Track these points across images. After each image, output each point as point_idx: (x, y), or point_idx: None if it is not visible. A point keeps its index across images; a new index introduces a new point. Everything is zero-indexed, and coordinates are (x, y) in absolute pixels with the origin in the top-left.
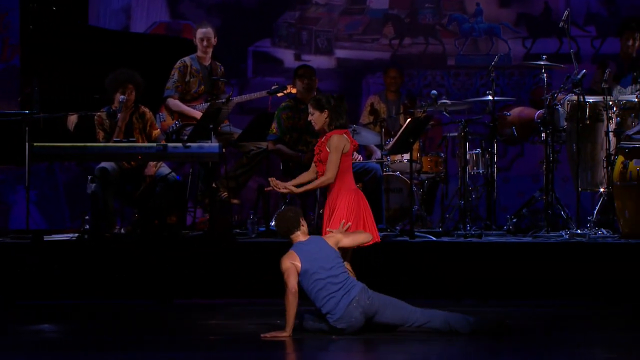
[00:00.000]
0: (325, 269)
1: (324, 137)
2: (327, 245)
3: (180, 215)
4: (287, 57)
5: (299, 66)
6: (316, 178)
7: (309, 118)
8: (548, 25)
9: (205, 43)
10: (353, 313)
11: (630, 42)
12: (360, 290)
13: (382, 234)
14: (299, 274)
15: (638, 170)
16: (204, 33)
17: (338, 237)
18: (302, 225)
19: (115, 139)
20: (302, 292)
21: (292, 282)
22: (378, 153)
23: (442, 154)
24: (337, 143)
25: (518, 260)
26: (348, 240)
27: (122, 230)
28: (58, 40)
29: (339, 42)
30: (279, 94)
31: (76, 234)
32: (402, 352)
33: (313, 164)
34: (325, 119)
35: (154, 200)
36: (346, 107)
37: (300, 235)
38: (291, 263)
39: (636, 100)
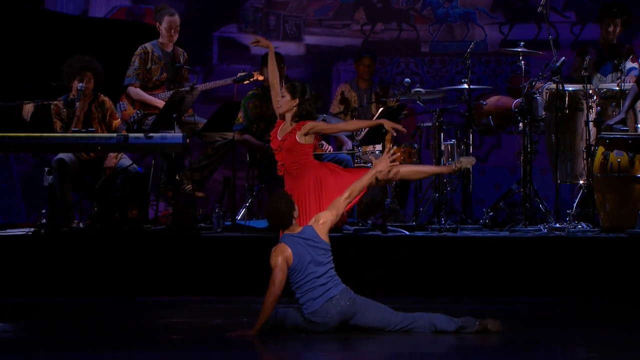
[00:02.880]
0: (316, 263)
1: (293, 125)
2: (320, 239)
3: (142, 209)
4: None
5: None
6: None
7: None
8: (526, 10)
9: (172, 31)
10: (329, 310)
11: (611, 28)
12: (342, 291)
13: (352, 227)
14: (288, 268)
15: (619, 161)
16: (171, 22)
17: (329, 219)
18: (294, 218)
19: (73, 129)
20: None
21: (279, 283)
22: (349, 144)
23: (415, 145)
24: (318, 122)
25: (495, 256)
26: (364, 182)
27: (81, 225)
28: (12, 25)
29: (309, 27)
30: (246, 82)
31: (32, 229)
32: (373, 351)
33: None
34: (293, 107)
35: (114, 193)
36: (318, 105)
37: (291, 227)
38: (282, 259)
39: (617, 88)
